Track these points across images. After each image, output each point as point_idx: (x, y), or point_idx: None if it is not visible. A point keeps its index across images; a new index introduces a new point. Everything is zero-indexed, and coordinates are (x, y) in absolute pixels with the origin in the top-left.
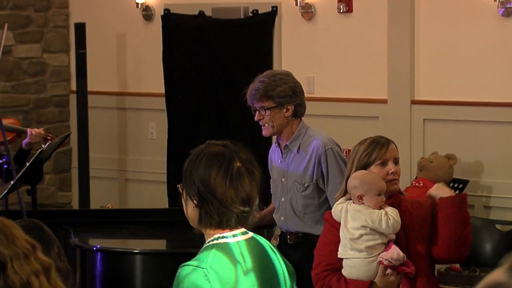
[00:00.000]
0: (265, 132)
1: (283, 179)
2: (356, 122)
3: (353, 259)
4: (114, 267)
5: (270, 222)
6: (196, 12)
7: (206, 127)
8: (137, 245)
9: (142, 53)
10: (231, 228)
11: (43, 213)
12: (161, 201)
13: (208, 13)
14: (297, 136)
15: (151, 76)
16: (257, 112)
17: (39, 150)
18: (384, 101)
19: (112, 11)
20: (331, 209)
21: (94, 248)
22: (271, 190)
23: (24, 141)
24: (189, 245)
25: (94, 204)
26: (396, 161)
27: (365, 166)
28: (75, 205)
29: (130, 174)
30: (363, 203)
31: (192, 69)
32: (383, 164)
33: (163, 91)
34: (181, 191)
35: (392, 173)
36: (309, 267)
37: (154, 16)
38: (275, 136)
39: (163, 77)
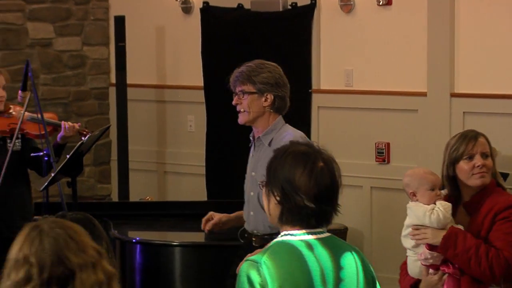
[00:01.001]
0: (240, 119)
1: (253, 173)
2: (395, 115)
3: (408, 256)
4: (153, 259)
5: (237, 226)
6: (235, 5)
7: None
8: (176, 238)
9: (181, 46)
10: (311, 226)
11: (83, 205)
12: (200, 194)
13: (247, 5)
14: (271, 130)
15: (190, 69)
16: (236, 96)
17: (79, 143)
18: (423, 94)
19: (152, 4)
20: None
21: (134, 241)
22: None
23: (59, 135)
24: (228, 238)
25: (133, 197)
26: (485, 155)
27: (455, 161)
28: (115, 197)
29: (169, 166)
30: (417, 200)
31: (230, 62)
32: (470, 158)
33: (202, 84)
34: (262, 187)
35: (478, 166)
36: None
37: (193, 9)
38: None
39: (201, 70)
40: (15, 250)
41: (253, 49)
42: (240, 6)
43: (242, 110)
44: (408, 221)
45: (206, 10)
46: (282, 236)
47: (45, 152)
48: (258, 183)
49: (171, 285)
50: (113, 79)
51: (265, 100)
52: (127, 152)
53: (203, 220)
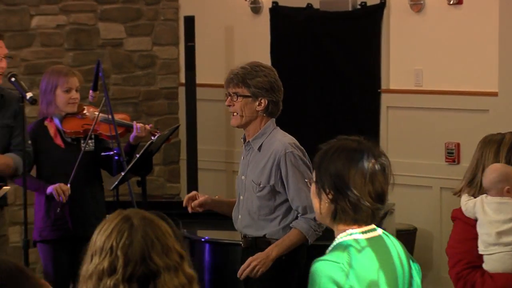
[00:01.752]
0: (233, 122)
1: (243, 177)
2: (466, 115)
3: (499, 253)
4: (222, 259)
5: (224, 212)
6: (304, 5)
7: (312, 120)
8: None
9: (250, 46)
10: (366, 224)
11: (152, 204)
12: None
13: (316, 5)
14: (261, 134)
15: None
16: (229, 97)
17: (149, 142)
18: (494, 94)
19: (221, 4)
20: (288, 212)
21: (203, 240)
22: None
23: (131, 136)
24: None
25: None
26: None
27: None
28: (184, 196)
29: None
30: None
31: (299, 61)
32: None
33: None
34: (310, 185)
35: None
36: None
37: (262, 9)
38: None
39: None
40: (103, 237)
41: (322, 49)
42: (309, 6)
43: (234, 113)
44: (503, 216)
45: (275, 10)
46: (350, 234)
47: (115, 151)
48: (306, 181)
49: (239, 284)
50: (182, 79)
51: (259, 105)
52: (196, 151)
53: (186, 197)
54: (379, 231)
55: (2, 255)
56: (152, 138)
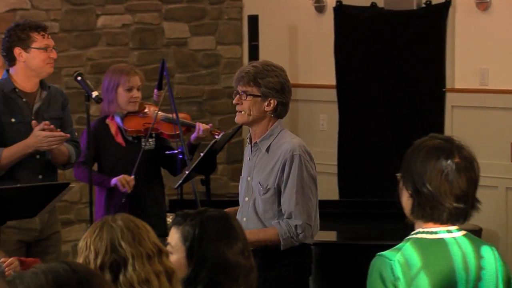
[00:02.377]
0: (238, 119)
1: (248, 178)
2: None
3: None
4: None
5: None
6: (368, 4)
7: (376, 119)
8: None
9: (313, 45)
10: (442, 223)
11: (216, 202)
12: (332, 193)
13: (381, 4)
14: (268, 135)
15: (322, 68)
16: (237, 95)
17: (213, 141)
18: None
19: (285, 4)
20: (288, 218)
21: None
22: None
23: (192, 136)
24: (360, 237)
25: None
26: None
27: None
28: None
29: None
30: None
31: (363, 61)
32: None
33: (334, 83)
34: (398, 180)
35: None
36: (265, 278)
37: (326, 8)
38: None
39: (334, 69)
40: (81, 240)
41: (386, 48)
42: (373, 5)
43: (242, 111)
44: None
45: (339, 9)
46: (417, 233)
47: (179, 150)
48: (396, 175)
49: (304, 283)
50: None
51: (268, 105)
52: None
53: None
54: (461, 232)
55: (56, 253)
56: (216, 137)
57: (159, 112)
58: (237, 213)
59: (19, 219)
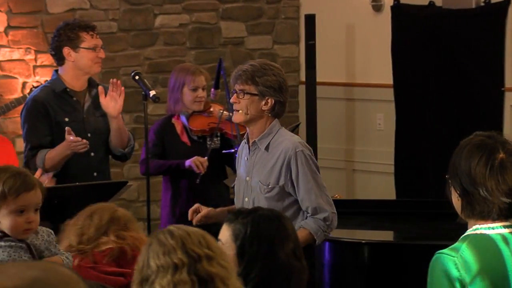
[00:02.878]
0: (235, 118)
1: (247, 178)
2: None
3: None
4: (342, 257)
5: None
6: (426, 2)
7: (434, 119)
8: (364, 236)
9: (371, 44)
10: (493, 219)
11: None
12: (389, 192)
13: (439, 3)
14: (267, 134)
15: (379, 67)
16: (235, 94)
17: None
18: None
19: (342, 3)
20: (297, 213)
21: None
22: (235, 189)
23: None
24: (417, 237)
25: None
26: None
27: None
28: None
29: (358, 164)
30: None
31: (421, 60)
32: None
33: (392, 82)
34: (447, 180)
35: None
36: None
37: (384, 7)
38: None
39: (391, 68)
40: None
41: (444, 47)
42: (431, 3)
43: (239, 110)
44: None
45: (397, 8)
46: (474, 230)
47: (235, 149)
48: (446, 176)
49: (359, 283)
50: (302, 77)
51: (265, 104)
52: (316, 149)
53: (190, 210)
54: (504, 230)
55: None
56: None
57: (224, 112)
58: None
59: None
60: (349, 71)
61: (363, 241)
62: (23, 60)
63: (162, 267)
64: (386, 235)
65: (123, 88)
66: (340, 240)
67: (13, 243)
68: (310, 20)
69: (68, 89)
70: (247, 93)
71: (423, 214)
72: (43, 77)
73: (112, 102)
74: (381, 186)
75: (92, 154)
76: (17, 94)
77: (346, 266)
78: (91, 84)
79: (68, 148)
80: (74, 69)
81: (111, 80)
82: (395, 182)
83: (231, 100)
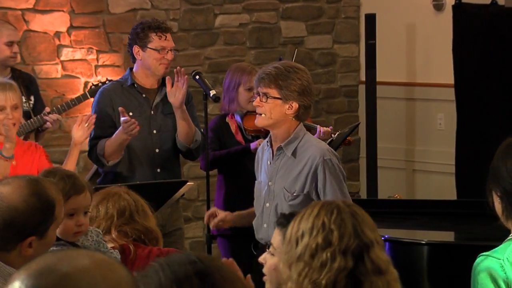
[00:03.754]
0: (258, 121)
1: (270, 183)
2: None
3: None
4: (402, 258)
5: (246, 224)
6: (488, 1)
7: (495, 119)
8: (424, 236)
9: (432, 43)
10: None
11: None
12: (449, 193)
13: (501, 1)
14: (294, 139)
15: (440, 67)
16: (258, 96)
17: (329, 140)
18: None
19: (403, 2)
20: None
21: (383, 238)
22: (254, 193)
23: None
24: (478, 238)
25: (382, 194)
26: None
27: None
28: (363, 194)
29: (418, 164)
30: None
31: (482, 59)
32: None
33: (453, 82)
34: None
35: None
36: None
37: (445, 6)
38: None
39: (452, 68)
40: (310, 219)
41: (506, 46)
42: (493, 2)
43: (262, 114)
44: None
45: (458, 7)
46: None
47: None
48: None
49: (420, 284)
50: (362, 77)
51: (289, 108)
52: (375, 149)
53: (206, 215)
54: None
55: (179, 249)
56: (332, 136)
57: None
58: (255, 219)
59: None
60: (410, 71)
61: (424, 242)
62: (85, 60)
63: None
64: (447, 236)
65: (186, 76)
66: (401, 241)
67: (65, 247)
68: (371, 19)
69: (136, 85)
70: (271, 97)
71: (484, 215)
72: (104, 76)
73: (176, 92)
74: (442, 186)
75: (157, 150)
76: (79, 94)
77: (406, 266)
78: (165, 83)
79: (123, 131)
80: (142, 68)
81: (175, 69)
82: (456, 182)
83: (255, 103)
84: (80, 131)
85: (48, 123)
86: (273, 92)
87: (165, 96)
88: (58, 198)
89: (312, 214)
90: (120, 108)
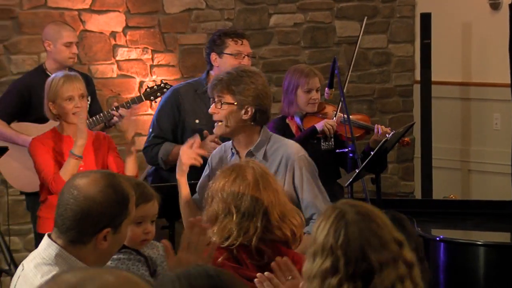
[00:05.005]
0: (217, 130)
1: None
2: None
3: None
4: (457, 258)
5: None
6: None
7: None
8: (480, 237)
9: (488, 42)
10: None
11: (386, 201)
12: (505, 193)
13: None
14: (262, 143)
15: (496, 66)
16: (213, 104)
17: (383, 140)
18: None
19: (459, 1)
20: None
21: (437, 239)
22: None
23: (372, 139)
24: None
25: (437, 194)
26: None
27: None
28: (418, 194)
29: (473, 165)
30: None
31: None
32: None
33: (509, 82)
34: None
35: None
36: None
37: (502, 5)
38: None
39: (509, 67)
40: (322, 236)
41: None
42: None
43: (219, 122)
44: None
45: None
46: None
47: (349, 148)
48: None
49: (475, 284)
50: (417, 76)
51: (245, 113)
52: (430, 149)
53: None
54: None
55: None
56: (387, 135)
57: (338, 113)
58: None
59: None
60: (465, 70)
61: (480, 243)
62: (140, 59)
63: None
64: (503, 237)
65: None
66: (456, 241)
67: (131, 256)
68: (426, 18)
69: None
70: (225, 103)
71: None
72: (159, 76)
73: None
74: (498, 187)
75: None
76: (134, 94)
77: (461, 267)
78: None
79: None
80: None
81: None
82: None
83: (210, 111)
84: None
85: (115, 117)
86: (227, 98)
87: None
88: (131, 193)
89: (324, 228)
90: (205, 132)
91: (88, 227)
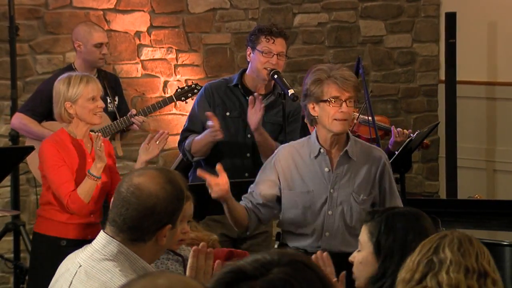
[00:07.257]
0: (346, 128)
1: (331, 190)
2: None
3: None
4: None
5: (227, 212)
6: None
7: None
8: (506, 237)
9: None
10: None
11: (411, 201)
12: None
13: None
14: (353, 141)
15: None
16: (344, 103)
17: (408, 139)
18: None
19: (484, 0)
20: None
21: None
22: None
23: (391, 141)
24: None
25: (462, 194)
26: None
27: None
28: (443, 194)
29: (499, 165)
30: None
31: None
32: None
33: None
34: None
35: None
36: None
37: None
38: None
39: None
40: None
41: None
42: None
43: (347, 119)
44: None
45: None
46: None
47: None
48: None
49: (506, 285)
50: (442, 76)
51: (355, 110)
52: (455, 149)
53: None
54: None
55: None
56: (411, 135)
57: (360, 116)
58: (311, 230)
59: (219, 215)
60: (491, 70)
61: (506, 243)
62: (164, 59)
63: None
64: None
65: (263, 104)
66: (482, 241)
67: (170, 255)
68: (451, 18)
69: (240, 86)
70: (355, 101)
71: None
72: (184, 76)
73: (253, 115)
74: None
75: (248, 155)
76: (159, 93)
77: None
78: (272, 90)
79: (209, 134)
80: (251, 70)
81: (252, 96)
82: None
83: (345, 110)
84: (148, 149)
85: (134, 125)
86: (356, 96)
87: (269, 104)
88: (185, 188)
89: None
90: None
91: (151, 225)
